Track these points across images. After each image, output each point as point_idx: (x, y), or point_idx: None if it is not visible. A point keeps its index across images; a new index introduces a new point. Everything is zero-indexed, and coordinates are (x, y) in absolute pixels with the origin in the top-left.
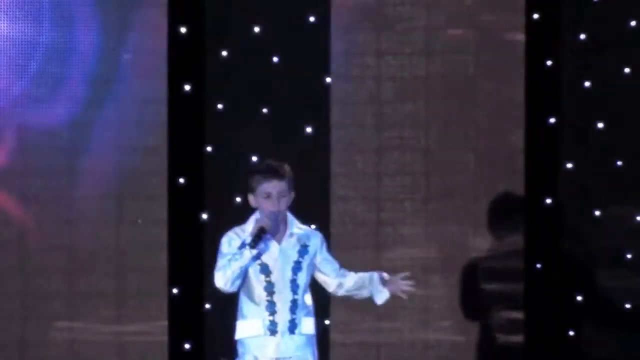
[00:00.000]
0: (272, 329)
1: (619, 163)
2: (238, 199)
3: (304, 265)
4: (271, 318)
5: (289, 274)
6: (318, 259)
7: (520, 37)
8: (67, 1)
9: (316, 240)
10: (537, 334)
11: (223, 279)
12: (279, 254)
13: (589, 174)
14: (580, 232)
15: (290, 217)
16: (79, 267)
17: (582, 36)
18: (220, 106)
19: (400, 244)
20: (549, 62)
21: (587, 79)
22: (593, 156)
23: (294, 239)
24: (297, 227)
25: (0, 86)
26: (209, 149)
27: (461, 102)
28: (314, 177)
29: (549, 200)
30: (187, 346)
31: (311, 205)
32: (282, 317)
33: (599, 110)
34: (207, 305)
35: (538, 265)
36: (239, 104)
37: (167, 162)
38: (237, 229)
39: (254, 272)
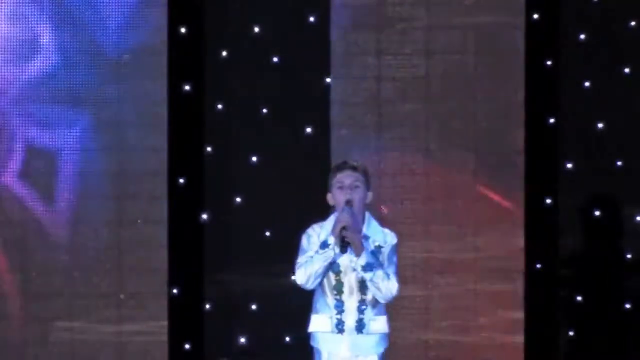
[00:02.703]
0: (340, 328)
1: (619, 163)
2: (238, 199)
3: (377, 265)
4: (339, 317)
5: (358, 275)
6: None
7: (520, 37)
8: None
9: (390, 238)
10: (538, 334)
11: (304, 276)
12: (350, 255)
13: (589, 174)
14: (580, 232)
15: (368, 217)
16: (79, 267)
17: (582, 36)
18: (220, 106)
19: (400, 244)
20: (549, 62)
21: (587, 79)
22: (593, 156)
23: (369, 241)
24: (374, 228)
25: (0, 86)
26: (209, 149)
27: (461, 102)
28: (314, 177)
29: (549, 200)
30: (187, 346)
31: (311, 205)
32: (350, 316)
33: (599, 110)
34: (207, 305)
35: (538, 265)
36: (239, 104)
37: (167, 162)
38: (315, 226)
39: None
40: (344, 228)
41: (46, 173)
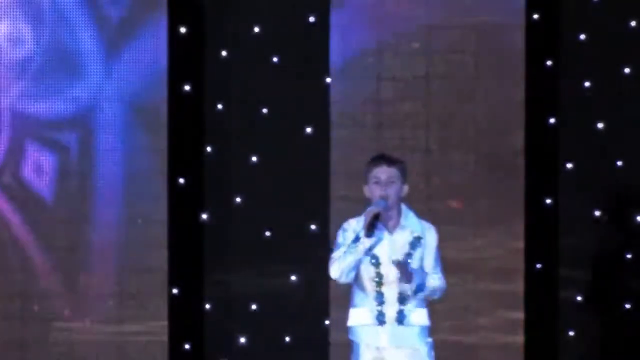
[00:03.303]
0: (380, 319)
1: (619, 163)
2: (238, 199)
3: (415, 257)
4: (379, 308)
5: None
6: (424, 254)
7: (520, 37)
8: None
9: (431, 235)
10: (537, 334)
11: (338, 270)
12: (389, 245)
13: (589, 174)
14: (580, 232)
15: (405, 209)
16: (79, 267)
17: (582, 36)
18: (220, 106)
19: None
20: (549, 62)
21: (587, 79)
22: (593, 156)
23: (407, 231)
24: (411, 219)
25: (0, 86)
26: (209, 149)
27: (461, 102)
28: (314, 177)
29: (549, 200)
30: (187, 346)
31: (311, 205)
32: (391, 308)
33: (599, 110)
34: (207, 305)
35: (538, 265)
36: (239, 104)
37: (167, 162)
38: (351, 220)
39: (364, 263)
40: (375, 217)
41: (46, 174)
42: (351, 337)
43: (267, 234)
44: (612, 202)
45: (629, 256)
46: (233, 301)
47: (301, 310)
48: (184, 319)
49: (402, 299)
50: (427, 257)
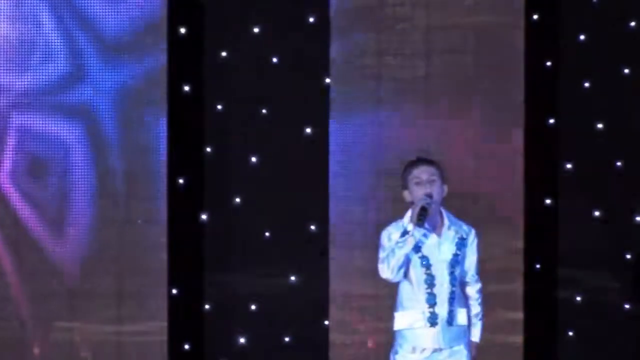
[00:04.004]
0: (433, 321)
1: (619, 163)
2: (238, 199)
3: (461, 257)
4: (431, 310)
5: (448, 267)
6: (467, 254)
7: (520, 37)
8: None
9: (472, 236)
10: (537, 334)
11: (388, 269)
12: (438, 247)
13: (589, 174)
14: (580, 232)
15: (445, 211)
16: (79, 267)
17: (582, 36)
18: (220, 106)
19: None
20: (548, 63)
21: (587, 79)
22: (593, 156)
23: (452, 232)
24: (453, 220)
25: (0, 86)
26: (209, 149)
27: (461, 102)
28: (314, 177)
29: (548, 200)
30: (187, 346)
31: (311, 205)
32: (442, 308)
33: (599, 110)
34: (207, 306)
35: (538, 266)
36: (239, 104)
37: (167, 162)
38: (394, 223)
39: (414, 265)
40: (423, 208)
41: (46, 173)
42: (399, 339)
43: (267, 234)
44: (612, 202)
45: (628, 256)
46: (233, 301)
47: (301, 310)
48: (183, 319)
49: (452, 299)
50: (470, 258)
